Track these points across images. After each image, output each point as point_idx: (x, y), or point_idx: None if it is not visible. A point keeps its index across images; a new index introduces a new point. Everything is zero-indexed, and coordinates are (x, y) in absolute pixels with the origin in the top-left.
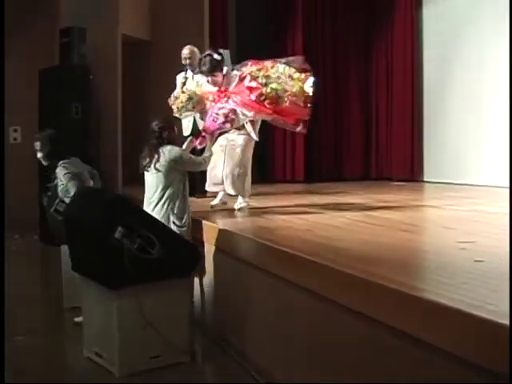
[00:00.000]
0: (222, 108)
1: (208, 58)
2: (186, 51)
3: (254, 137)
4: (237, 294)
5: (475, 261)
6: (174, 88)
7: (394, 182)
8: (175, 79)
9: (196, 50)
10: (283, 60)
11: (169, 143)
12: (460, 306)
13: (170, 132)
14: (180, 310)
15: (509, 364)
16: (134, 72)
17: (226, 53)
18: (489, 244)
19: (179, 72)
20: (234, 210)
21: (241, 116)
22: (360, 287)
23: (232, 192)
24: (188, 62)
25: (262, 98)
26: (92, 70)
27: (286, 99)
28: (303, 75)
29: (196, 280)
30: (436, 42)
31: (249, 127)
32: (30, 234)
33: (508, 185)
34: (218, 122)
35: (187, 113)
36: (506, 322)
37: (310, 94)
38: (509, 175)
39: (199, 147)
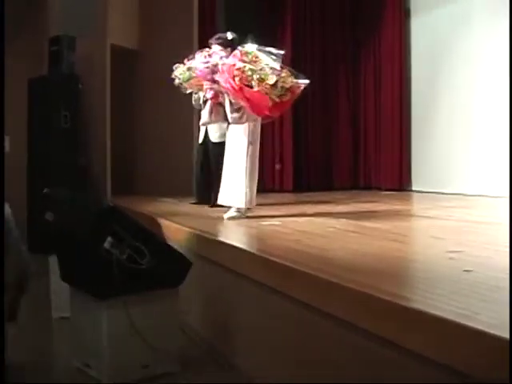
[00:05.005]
0: (207, 62)
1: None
2: None
3: (229, 116)
4: (223, 303)
5: (464, 270)
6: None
7: (382, 192)
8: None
9: None
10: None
11: None
12: (449, 316)
13: None
14: (170, 320)
15: (508, 374)
16: (123, 81)
17: None
18: (478, 254)
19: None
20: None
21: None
22: (347, 297)
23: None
24: None
25: (236, 72)
26: (81, 79)
27: (254, 84)
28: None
29: None
30: (424, 52)
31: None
32: None
33: (495, 194)
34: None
35: (185, 84)
36: (496, 332)
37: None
38: (509, 184)
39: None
